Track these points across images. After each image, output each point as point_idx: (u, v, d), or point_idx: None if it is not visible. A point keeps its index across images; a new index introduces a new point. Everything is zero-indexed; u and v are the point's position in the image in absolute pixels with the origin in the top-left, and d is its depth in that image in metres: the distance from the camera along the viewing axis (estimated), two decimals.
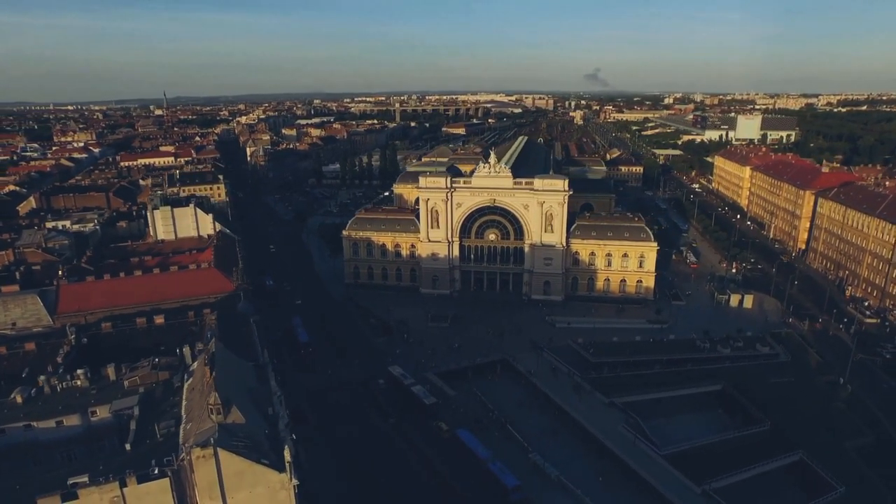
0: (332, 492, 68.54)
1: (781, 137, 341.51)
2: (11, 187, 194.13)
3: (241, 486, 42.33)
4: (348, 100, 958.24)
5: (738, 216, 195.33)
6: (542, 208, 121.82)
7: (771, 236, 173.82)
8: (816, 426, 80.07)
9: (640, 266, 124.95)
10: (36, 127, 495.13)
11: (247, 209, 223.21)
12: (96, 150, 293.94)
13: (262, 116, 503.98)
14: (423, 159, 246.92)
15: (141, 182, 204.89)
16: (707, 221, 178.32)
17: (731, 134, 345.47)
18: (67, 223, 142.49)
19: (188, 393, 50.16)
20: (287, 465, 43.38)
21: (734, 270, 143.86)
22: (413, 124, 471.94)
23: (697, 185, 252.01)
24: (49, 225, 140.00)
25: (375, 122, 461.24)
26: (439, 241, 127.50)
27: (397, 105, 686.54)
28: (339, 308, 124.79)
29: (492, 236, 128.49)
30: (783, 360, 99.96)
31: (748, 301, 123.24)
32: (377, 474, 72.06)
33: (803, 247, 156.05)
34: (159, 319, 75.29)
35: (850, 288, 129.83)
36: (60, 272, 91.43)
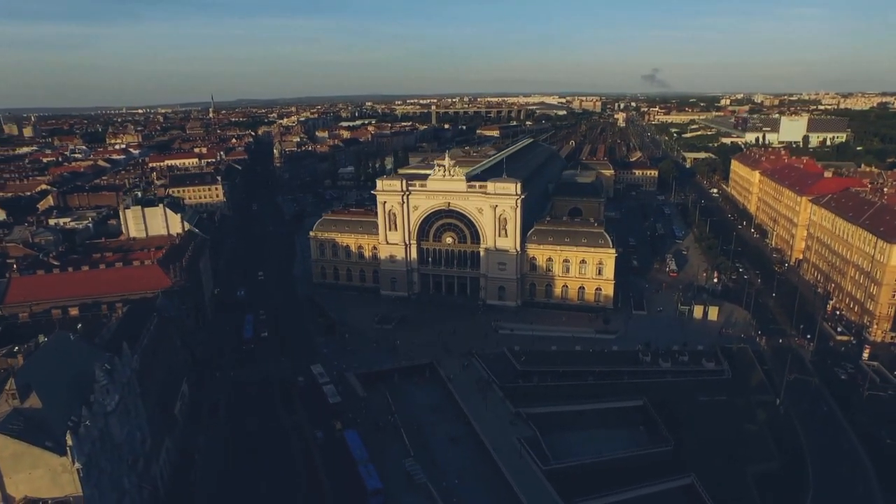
0: (209, 484, 71.24)
1: (825, 140, 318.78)
2: (43, 186, 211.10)
3: (18, 467, 45.33)
4: (399, 102, 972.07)
5: (744, 223, 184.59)
6: (495, 212, 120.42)
7: (772, 245, 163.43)
8: (723, 448, 75.41)
9: (599, 273, 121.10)
10: (100, 130, 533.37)
11: (257, 209, 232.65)
12: (136, 152, 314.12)
13: (303, 118, 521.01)
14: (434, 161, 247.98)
15: (157, 181, 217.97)
16: (704, 228, 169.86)
17: (769, 137, 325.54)
18: (68, 220, 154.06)
19: None
20: (68, 448, 45.95)
21: (715, 280, 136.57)
22: (446, 126, 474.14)
23: (716, 190, 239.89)
24: (52, 222, 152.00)
25: (407, 124, 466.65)
26: (397, 244, 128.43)
27: (433, 107, 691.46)
28: (297, 307, 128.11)
29: (448, 240, 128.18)
30: (726, 377, 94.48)
31: (713, 313, 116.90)
32: (259, 468, 74.14)
33: (800, 256, 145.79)
34: (73, 311, 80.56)
35: (832, 302, 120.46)
36: (15, 265, 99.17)
